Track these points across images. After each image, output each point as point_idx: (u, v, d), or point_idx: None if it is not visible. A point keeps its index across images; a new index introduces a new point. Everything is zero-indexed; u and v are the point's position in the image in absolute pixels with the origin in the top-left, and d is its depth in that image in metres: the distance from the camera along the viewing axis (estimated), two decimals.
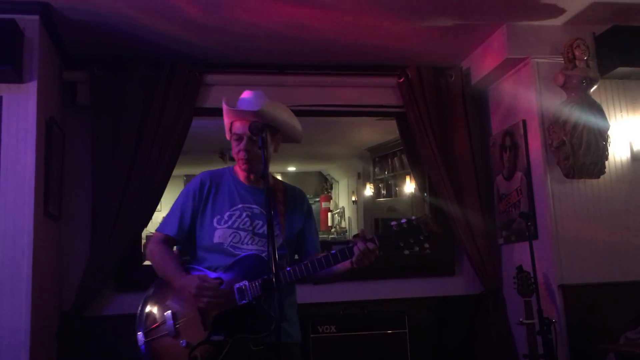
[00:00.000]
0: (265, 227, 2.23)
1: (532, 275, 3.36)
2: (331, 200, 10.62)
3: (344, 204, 10.41)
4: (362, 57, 4.20)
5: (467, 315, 4.19)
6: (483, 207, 4.17)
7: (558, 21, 3.80)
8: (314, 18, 3.54)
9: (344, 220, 10.20)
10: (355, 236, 2.17)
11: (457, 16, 3.64)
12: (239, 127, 2.28)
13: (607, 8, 3.60)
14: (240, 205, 2.30)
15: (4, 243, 3.11)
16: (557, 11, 3.65)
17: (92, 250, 3.67)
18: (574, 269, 3.59)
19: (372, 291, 4.02)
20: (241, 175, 2.36)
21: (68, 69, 3.88)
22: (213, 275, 2.20)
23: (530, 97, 3.84)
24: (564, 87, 3.69)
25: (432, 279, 4.26)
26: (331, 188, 10.95)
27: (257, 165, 2.26)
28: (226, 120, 2.37)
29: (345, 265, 2.18)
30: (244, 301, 2.12)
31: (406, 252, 2.13)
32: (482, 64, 4.15)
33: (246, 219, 2.27)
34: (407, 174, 7.33)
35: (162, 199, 4.19)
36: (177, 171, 4.25)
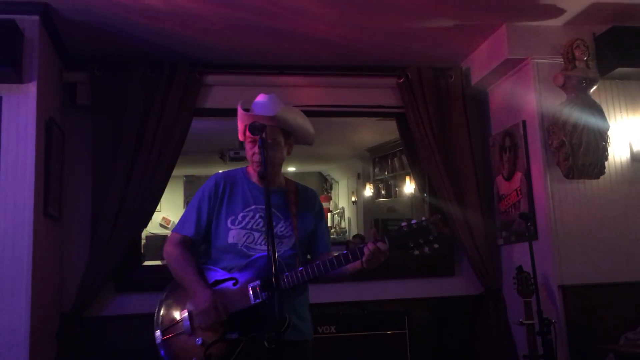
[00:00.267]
0: (278, 228, 2.30)
1: (531, 275, 3.36)
2: (331, 201, 10.63)
3: (344, 204, 10.42)
4: (362, 58, 4.21)
5: (467, 316, 4.19)
6: (483, 207, 4.17)
7: (558, 22, 3.80)
8: (313, 18, 3.54)
9: (344, 220, 10.20)
10: (354, 236, 2.19)
11: (457, 17, 3.64)
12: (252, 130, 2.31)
13: (607, 8, 3.60)
14: (253, 207, 2.33)
15: (4, 243, 3.11)
16: (557, 12, 3.66)
17: (91, 251, 3.67)
18: (574, 270, 3.59)
19: (371, 291, 4.02)
20: (254, 176, 2.39)
21: (68, 70, 3.88)
22: (228, 275, 2.26)
23: (530, 98, 3.85)
24: (563, 87, 3.69)
25: (432, 280, 4.27)
26: (331, 188, 10.95)
27: (271, 168, 2.32)
28: (240, 123, 2.40)
29: (355, 265, 2.22)
30: (257, 300, 2.16)
31: (416, 252, 2.15)
32: (482, 65, 4.15)
33: (259, 220, 2.30)
34: (407, 175, 7.33)
35: (162, 200, 4.20)
36: (177, 171, 4.26)
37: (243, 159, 6.77)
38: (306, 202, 2.45)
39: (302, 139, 2.46)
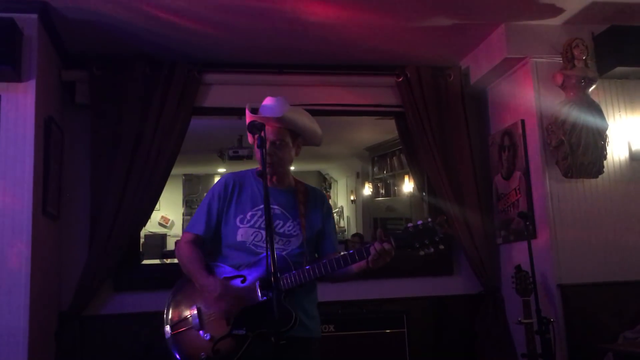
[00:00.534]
0: (286, 227, 2.37)
1: (530, 274, 3.36)
2: (330, 200, 10.63)
3: (343, 203, 10.43)
4: (361, 57, 4.20)
5: (466, 315, 4.19)
6: (482, 206, 4.18)
7: (557, 21, 3.80)
8: (312, 17, 3.54)
9: (343, 219, 10.21)
10: (353, 235, 2.21)
11: (456, 16, 3.64)
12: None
13: (606, 8, 3.60)
14: (262, 206, 2.36)
15: (2, 242, 3.10)
16: (556, 11, 3.66)
17: (90, 250, 3.67)
18: (573, 269, 3.60)
19: (370, 290, 4.02)
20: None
21: (67, 68, 3.87)
22: (236, 272, 2.29)
23: (529, 97, 3.85)
24: (562, 86, 3.69)
25: (431, 279, 4.27)
26: (330, 187, 10.96)
27: (280, 168, 2.41)
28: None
29: (360, 265, 2.26)
30: (264, 297, 2.19)
31: (421, 253, 2.18)
32: (481, 64, 4.15)
33: None
34: (406, 174, 7.34)
35: (161, 198, 4.19)
36: (175, 170, 4.25)
37: (242, 158, 6.77)
38: (314, 202, 2.50)
39: (310, 140, 2.52)
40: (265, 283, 2.04)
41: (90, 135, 3.83)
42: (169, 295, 2.41)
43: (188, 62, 3.96)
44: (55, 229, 3.68)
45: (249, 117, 2.39)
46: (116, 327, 3.77)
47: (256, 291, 2.22)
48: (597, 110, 3.68)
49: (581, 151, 3.61)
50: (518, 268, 3.52)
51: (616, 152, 3.84)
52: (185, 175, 10.86)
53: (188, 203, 11.02)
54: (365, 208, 9.17)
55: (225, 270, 2.32)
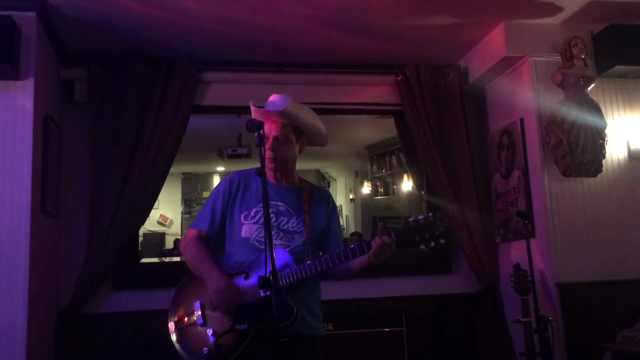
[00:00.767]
0: (290, 224, 2.39)
1: (529, 273, 3.36)
2: None
3: (342, 202, 10.43)
4: (360, 55, 4.20)
5: (465, 314, 4.19)
6: (480, 205, 4.18)
7: (556, 20, 3.80)
8: (312, 16, 3.54)
9: (342, 218, 10.21)
10: (352, 234, 2.21)
11: (455, 14, 3.64)
12: (265, 127, 2.38)
13: (605, 7, 3.60)
14: None
15: (1, 241, 3.10)
16: (555, 10, 3.66)
17: (89, 248, 3.67)
18: (571, 267, 3.60)
19: (369, 289, 4.02)
20: (268, 173, 2.45)
21: (65, 67, 3.86)
22: (240, 268, 2.31)
23: (528, 96, 3.85)
24: (561, 85, 3.69)
25: (430, 277, 4.27)
26: (329, 186, 10.97)
27: (283, 165, 2.42)
28: None
29: (362, 261, 2.28)
30: (267, 293, 2.20)
31: (422, 247, 2.18)
32: (479, 63, 4.15)
33: (271, 216, 2.35)
34: (405, 172, 7.34)
35: (160, 197, 4.19)
36: (174, 169, 4.25)
37: (241, 156, 6.78)
38: (319, 200, 2.52)
39: (314, 139, 2.55)
40: (263, 279, 2.05)
41: (89, 133, 3.83)
42: (174, 291, 2.44)
43: (187, 61, 3.96)
44: (54, 227, 3.68)
45: (252, 113, 2.42)
46: (115, 326, 3.77)
47: (258, 287, 2.22)
48: (596, 109, 3.68)
49: (580, 150, 3.61)
50: (517, 267, 3.53)
51: (615, 151, 3.84)
52: (184, 173, 10.86)
53: (187, 201, 11.03)
54: (364, 207, 9.18)
55: (229, 266, 2.34)
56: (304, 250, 2.37)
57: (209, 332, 2.24)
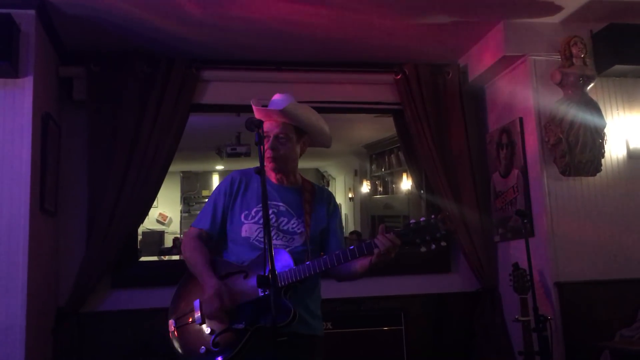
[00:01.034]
0: (290, 224, 2.38)
1: (528, 272, 3.36)
2: None
3: (341, 201, 10.42)
4: (360, 54, 4.20)
5: (463, 313, 4.19)
6: (479, 204, 4.18)
7: (555, 19, 3.80)
8: (311, 15, 3.54)
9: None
10: (351, 233, 2.20)
11: (454, 13, 3.64)
12: (266, 126, 2.38)
13: (605, 6, 3.60)
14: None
15: (0, 239, 3.10)
16: (554, 9, 3.66)
17: (88, 246, 3.66)
18: (570, 267, 3.60)
19: (368, 288, 4.01)
20: (269, 174, 2.45)
21: (64, 65, 3.86)
22: (239, 267, 2.31)
23: (527, 95, 3.85)
24: (560, 84, 3.69)
25: (428, 276, 4.27)
26: (328, 185, 10.96)
27: (283, 164, 2.41)
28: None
29: (364, 264, 2.26)
30: (266, 292, 2.19)
31: (422, 249, 2.17)
32: (479, 62, 4.15)
33: (272, 216, 2.35)
34: (404, 171, 7.34)
35: (159, 195, 4.19)
36: (173, 167, 4.25)
37: (240, 155, 6.77)
38: (321, 201, 2.51)
39: (317, 139, 2.56)
40: (262, 278, 2.05)
41: (88, 131, 3.82)
42: (175, 289, 2.44)
43: (186, 59, 3.95)
44: (53, 225, 3.68)
45: (255, 112, 2.42)
46: (113, 324, 3.77)
47: (257, 286, 2.22)
48: (595, 108, 3.69)
49: (579, 149, 3.61)
50: (515, 266, 3.53)
51: (614, 150, 3.84)
52: (183, 172, 10.85)
53: (186, 200, 11.02)
54: (363, 206, 9.18)
55: (229, 265, 2.34)
56: (303, 250, 2.36)
57: (207, 331, 2.24)
